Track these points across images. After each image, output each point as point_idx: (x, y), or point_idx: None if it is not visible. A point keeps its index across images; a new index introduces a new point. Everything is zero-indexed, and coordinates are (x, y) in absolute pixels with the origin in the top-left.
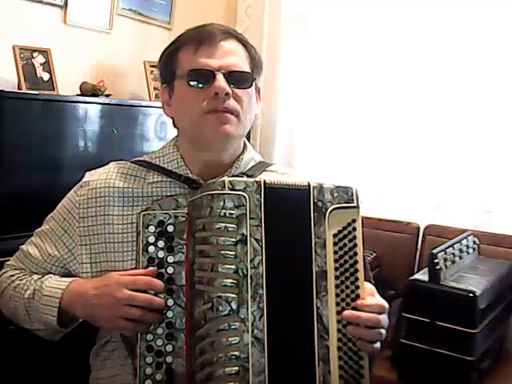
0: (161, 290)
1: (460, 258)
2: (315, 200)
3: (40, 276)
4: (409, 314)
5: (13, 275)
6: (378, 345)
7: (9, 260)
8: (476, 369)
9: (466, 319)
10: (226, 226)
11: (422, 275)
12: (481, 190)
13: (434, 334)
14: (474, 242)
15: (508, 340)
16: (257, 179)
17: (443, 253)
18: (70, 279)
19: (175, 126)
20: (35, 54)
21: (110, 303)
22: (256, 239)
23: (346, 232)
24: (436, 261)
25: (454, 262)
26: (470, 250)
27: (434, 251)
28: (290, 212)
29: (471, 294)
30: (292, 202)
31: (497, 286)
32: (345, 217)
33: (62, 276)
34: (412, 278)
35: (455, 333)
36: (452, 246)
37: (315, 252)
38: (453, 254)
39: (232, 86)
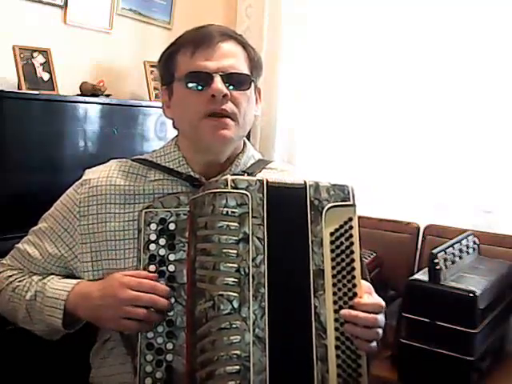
0: (164, 295)
1: (460, 257)
2: (312, 198)
3: (41, 277)
4: (409, 314)
5: (11, 276)
6: (374, 344)
7: None
8: (476, 369)
9: (466, 319)
10: (228, 225)
11: (422, 275)
12: (481, 190)
13: (434, 334)
14: (474, 242)
15: (508, 340)
16: (259, 178)
17: (443, 253)
18: (75, 281)
19: (175, 127)
20: (35, 54)
21: (114, 303)
22: (258, 238)
23: (342, 230)
24: (436, 261)
25: (453, 262)
26: (470, 250)
27: (434, 251)
28: (290, 211)
29: (471, 294)
30: (291, 200)
31: (497, 286)
32: (341, 215)
33: (63, 276)
34: (412, 278)
35: (455, 333)
36: (452, 246)
37: (312, 251)
38: (453, 253)
39: (230, 87)
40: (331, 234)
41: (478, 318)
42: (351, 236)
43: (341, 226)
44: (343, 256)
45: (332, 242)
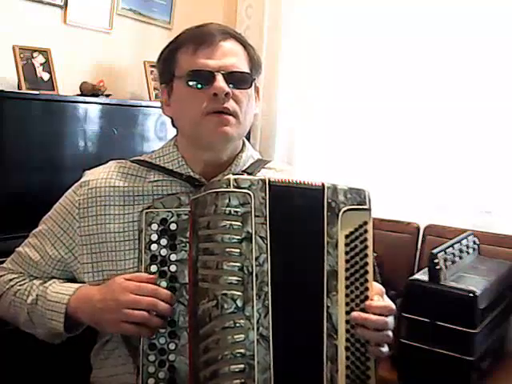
0: (166, 298)
1: (460, 257)
2: (329, 200)
3: (42, 281)
4: (409, 314)
5: (11, 279)
6: (385, 349)
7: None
8: (476, 369)
9: (465, 319)
10: (230, 224)
11: (422, 275)
12: (481, 190)
13: (434, 334)
14: (474, 242)
15: (508, 340)
16: (261, 177)
17: (443, 253)
18: (76, 285)
19: (174, 126)
20: (35, 54)
21: (114, 307)
22: (261, 237)
23: (357, 233)
24: (436, 261)
25: (454, 262)
26: (470, 250)
27: (434, 251)
28: (298, 211)
29: (471, 294)
30: (301, 200)
31: (497, 285)
32: (357, 218)
33: (64, 279)
34: (412, 277)
35: (455, 333)
36: (452, 246)
37: (327, 252)
38: (453, 253)
39: (231, 86)
40: (346, 237)
41: (477, 318)
42: (366, 240)
43: (356, 229)
44: (357, 259)
45: (347, 245)
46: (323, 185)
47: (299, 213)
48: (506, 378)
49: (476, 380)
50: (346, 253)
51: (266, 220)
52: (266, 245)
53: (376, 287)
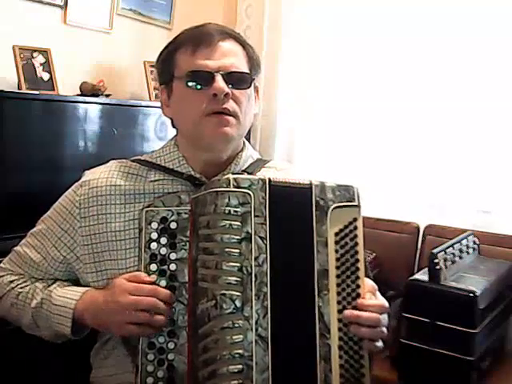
0: (166, 298)
1: (460, 257)
2: (317, 198)
3: (45, 284)
4: (409, 314)
5: (12, 281)
6: (380, 343)
7: None
8: (476, 369)
9: (465, 319)
10: (230, 224)
11: (422, 275)
12: (480, 190)
13: (434, 334)
14: (474, 242)
15: (508, 340)
16: (261, 177)
17: (443, 253)
18: (81, 289)
19: (174, 126)
20: (35, 54)
21: (116, 309)
22: (260, 237)
23: (347, 231)
24: (436, 261)
25: (454, 262)
26: (470, 250)
27: (434, 251)
28: (293, 210)
29: (471, 294)
30: (295, 199)
31: (497, 285)
32: (346, 215)
33: (66, 279)
34: (412, 278)
35: (455, 333)
36: (452, 246)
37: (317, 250)
38: (453, 254)
39: (231, 86)
40: (336, 234)
41: (477, 318)
42: (356, 236)
43: (345, 227)
44: (348, 256)
45: (337, 242)
46: (311, 183)
47: (293, 212)
48: (506, 378)
49: (476, 380)
50: (336, 251)
51: (265, 220)
52: (266, 245)
53: (368, 284)
